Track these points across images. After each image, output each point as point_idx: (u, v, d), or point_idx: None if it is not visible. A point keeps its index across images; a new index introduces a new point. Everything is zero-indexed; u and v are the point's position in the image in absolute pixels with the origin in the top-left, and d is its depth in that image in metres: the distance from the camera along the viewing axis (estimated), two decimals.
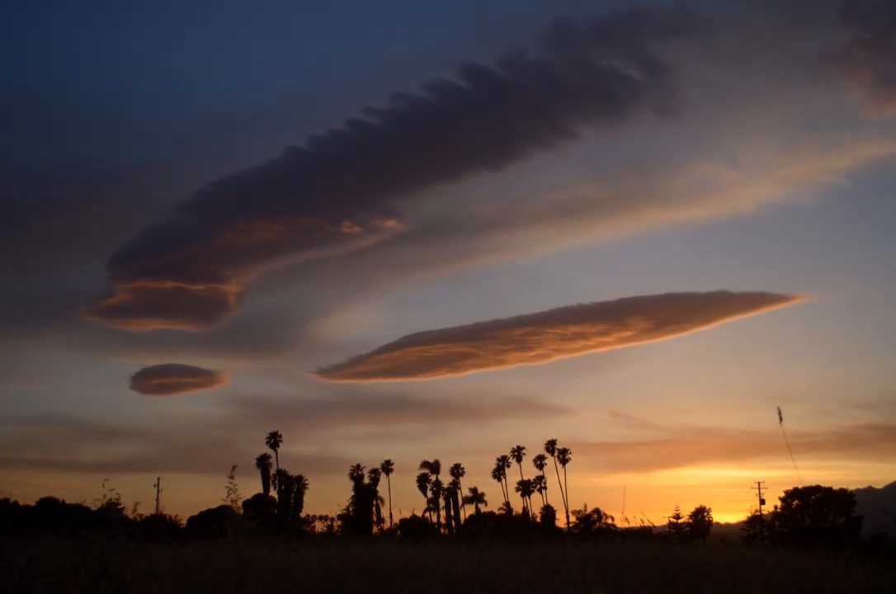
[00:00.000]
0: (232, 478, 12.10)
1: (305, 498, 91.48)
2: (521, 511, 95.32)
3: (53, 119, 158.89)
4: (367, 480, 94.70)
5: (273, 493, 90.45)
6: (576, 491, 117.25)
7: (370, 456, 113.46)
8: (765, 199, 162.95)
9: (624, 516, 27.41)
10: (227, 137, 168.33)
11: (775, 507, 72.74)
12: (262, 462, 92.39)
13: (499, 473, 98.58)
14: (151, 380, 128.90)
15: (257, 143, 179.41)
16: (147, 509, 64.60)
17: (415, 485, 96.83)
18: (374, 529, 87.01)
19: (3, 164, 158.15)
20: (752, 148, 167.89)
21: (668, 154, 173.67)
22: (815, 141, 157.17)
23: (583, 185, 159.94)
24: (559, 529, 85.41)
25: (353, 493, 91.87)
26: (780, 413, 18.09)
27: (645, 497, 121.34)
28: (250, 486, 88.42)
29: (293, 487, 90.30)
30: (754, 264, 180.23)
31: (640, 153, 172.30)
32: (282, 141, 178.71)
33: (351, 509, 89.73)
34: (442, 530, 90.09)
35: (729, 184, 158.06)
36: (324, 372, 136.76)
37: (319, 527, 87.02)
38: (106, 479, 11.65)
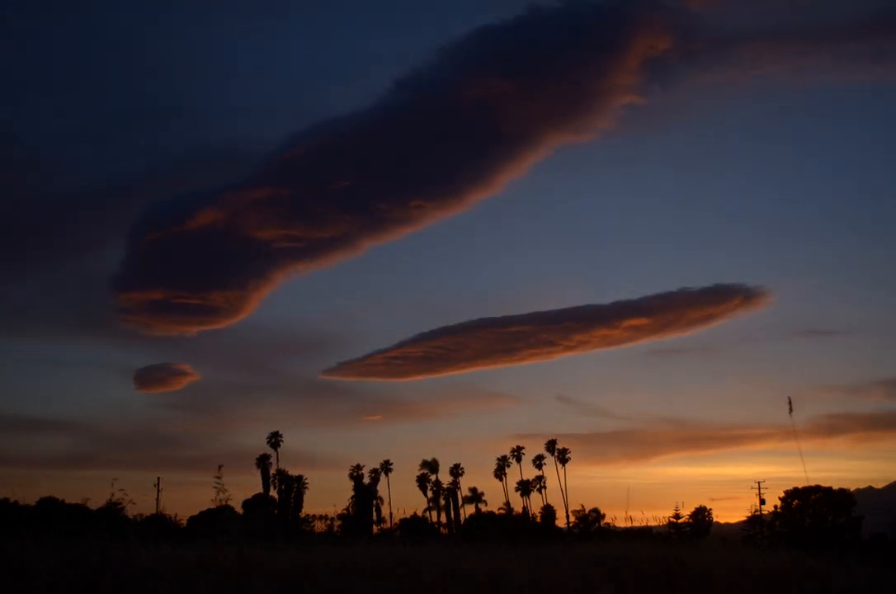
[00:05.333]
0: (219, 477, 11.67)
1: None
2: (520, 510, 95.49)
3: None
4: (366, 480, 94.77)
5: (273, 493, 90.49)
6: (574, 490, 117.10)
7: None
8: None
9: (628, 515, 27.36)
10: None
11: (775, 507, 72.87)
12: (263, 462, 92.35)
13: (500, 473, 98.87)
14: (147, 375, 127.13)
15: None
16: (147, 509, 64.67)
17: (415, 484, 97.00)
18: (375, 529, 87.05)
19: None
20: None
21: None
22: None
23: None
24: (559, 529, 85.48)
25: (352, 493, 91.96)
26: (790, 403, 17.01)
27: (643, 494, 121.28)
28: (250, 486, 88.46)
29: (293, 487, 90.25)
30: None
31: None
32: None
33: (351, 509, 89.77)
34: (442, 530, 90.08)
35: None
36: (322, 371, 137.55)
37: (319, 526, 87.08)
38: (115, 479, 11.65)
